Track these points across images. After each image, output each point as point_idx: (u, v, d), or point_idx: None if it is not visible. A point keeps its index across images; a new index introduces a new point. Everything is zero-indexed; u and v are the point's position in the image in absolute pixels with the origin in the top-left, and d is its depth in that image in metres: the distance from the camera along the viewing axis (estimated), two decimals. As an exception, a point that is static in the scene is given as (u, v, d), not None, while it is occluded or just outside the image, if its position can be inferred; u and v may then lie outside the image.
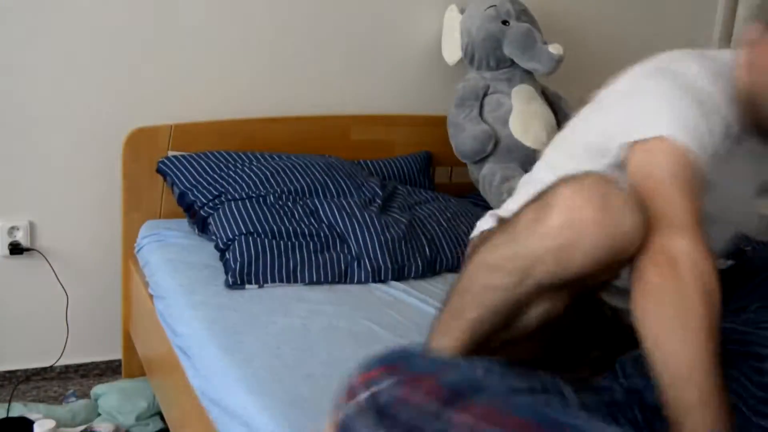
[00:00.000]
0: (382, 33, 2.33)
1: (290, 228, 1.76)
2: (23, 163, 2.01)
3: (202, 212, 1.84)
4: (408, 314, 1.52)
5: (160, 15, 2.06)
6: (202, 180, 1.90)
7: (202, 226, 1.86)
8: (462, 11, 2.30)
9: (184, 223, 1.95)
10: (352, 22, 2.29)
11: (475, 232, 1.30)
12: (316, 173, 1.96)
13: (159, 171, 1.97)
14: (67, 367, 2.17)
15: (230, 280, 1.60)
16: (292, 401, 1.09)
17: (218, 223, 1.76)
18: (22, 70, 1.96)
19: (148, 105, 2.07)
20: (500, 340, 0.96)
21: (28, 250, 2.05)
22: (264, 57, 2.20)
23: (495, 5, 2.21)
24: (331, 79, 2.29)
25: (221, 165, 1.95)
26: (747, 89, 1.05)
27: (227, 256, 1.67)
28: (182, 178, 1.92)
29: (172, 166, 1.95)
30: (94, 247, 2.12)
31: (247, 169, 1.93)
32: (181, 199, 1.90)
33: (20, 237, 2.03)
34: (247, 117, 2.15)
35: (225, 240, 1.71)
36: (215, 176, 1.91)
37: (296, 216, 1.81)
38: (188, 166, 1.94)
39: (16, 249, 2.02)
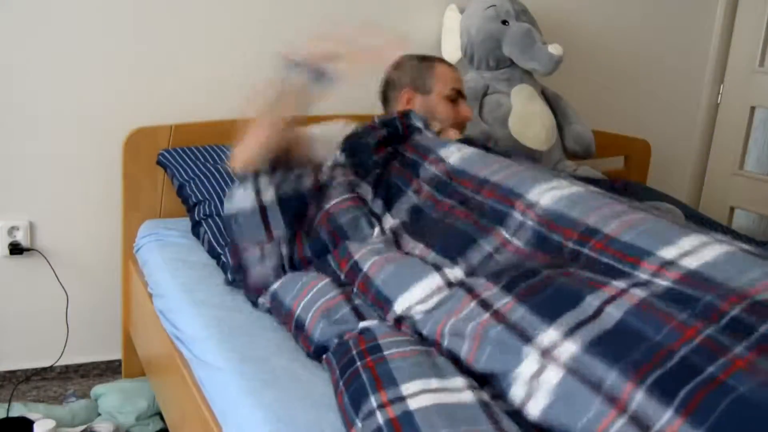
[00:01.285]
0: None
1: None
2: (23, 163, 2.01)
3: (195, 216, 1.85)
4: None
5: (161, 15, 2.06)
6: (199, 173, 1.91)
7: (193, 226, 1.86)
8: (462, 11, 2.30)
9: (183, 222, 1.95)
10: (353, 22, 2.29)
11: None
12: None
13: (159, 163, 1.99)
14: (67, 367, 2.17)
15: (230, 277, 1.56)
16: (289, 401, 1.09)
17: (209, 235, 1.75)
18: (22, 70, 1.96)
19: (148, 105, 2.08)
20: None
21: (28, 250, 2.05)
22: (264, 57, 2.19)
23: (494, 5, 2.21)
24: (330, 79, 2.29)
25: (221, 159, 1.96)
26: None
27: (223, 260, 1.66)
28: (181, 170, 1.93)
29: (171, 159, 1.96)
30: (94, 247, 2.12)
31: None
32: (180, 190, 1.92)
33: (20, 237, 2.04)
34: (246, 117, 2.15)
35: (215, 253, 1.70)
36: (213, 170, 1.92)
37: None
38: (187, 159, 1.95)
39: (16, 249, 2.02)
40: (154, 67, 2.08)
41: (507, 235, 1.27)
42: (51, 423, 1.72)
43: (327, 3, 2.24)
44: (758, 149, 2.93)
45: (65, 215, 2.08)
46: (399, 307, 1.19)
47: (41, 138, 2.01)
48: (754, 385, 0.78)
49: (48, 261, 2.07)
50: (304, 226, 1.47)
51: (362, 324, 1.20)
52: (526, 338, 0.98)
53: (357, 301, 1.26)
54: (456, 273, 1.23)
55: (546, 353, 0.94)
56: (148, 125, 2.03)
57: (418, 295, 1.19)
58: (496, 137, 2.14)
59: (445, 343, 1.08)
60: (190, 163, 1.95)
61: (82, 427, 1.82)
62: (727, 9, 2.85)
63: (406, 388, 0.98)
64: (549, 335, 0.96)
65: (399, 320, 1.19)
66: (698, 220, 2.32)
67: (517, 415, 0.95)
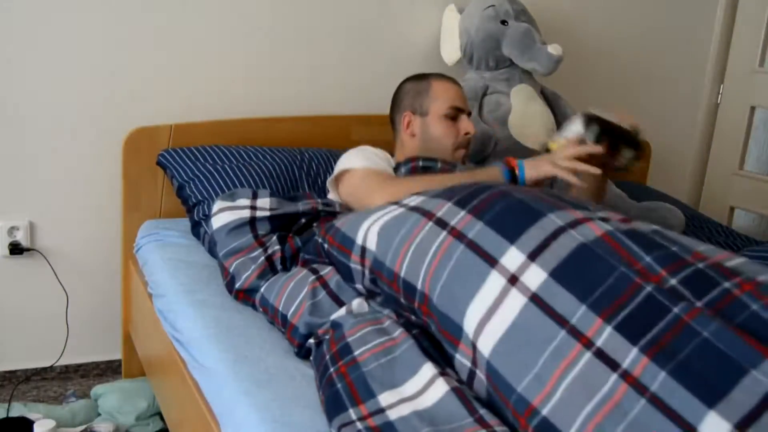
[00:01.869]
0: (382, 33, 2.33)
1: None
2: (23, 163, 2.01)
3: (195, 216, 1.85)
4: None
5: (160, 15, 2.06)
6: (199, 174, 1.91)
7: (193, 226, 1.86)
8: (461, 11, 2.30)
9: (183, 222, 1.95)
10: (352, 22, 2.29)
11: None
12: (319, 167, 1.99)
13: (159, 164, 1.99)
14: (67, 367, 2.17)
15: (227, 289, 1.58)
16: (285, 402, 1.09)
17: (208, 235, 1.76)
18: (22, 71, 1.96)
19: (148, 105, 2.08)
20: None
21: (28, 250, 2.05)
22: (264, 57, 2.20)
23: (494, 5, 2.21)
24: (331, 79, 2.29)
25: (220, 159, 1.96)
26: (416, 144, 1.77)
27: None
28: (180, 171, 1.93)
29: (171, 159, 1.96)
30: (94, 247, 2.12)
31: (243, 167, 1.94)
32: (180, 191, 1.92)
33: (20, 237, 2.04)
34: (246, 117, 2.15)
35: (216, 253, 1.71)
36: (213, 170, 1.92)
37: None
38: (187, 160, 1.95)
39: (16, 249, 2.02)
40: (154, 67, 2.08)
41: None
42: (51, 423, 1.72)
43: (327, 3, 2.24)
44: (758, 149, 2.93)
45: (65, 215, 2.08)
46: (359, 238, 1.25)
47: (41, 138, 2.01)
48: (716, 327, 0.80)
49: (48, 261, 2.07)
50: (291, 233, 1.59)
51: (333, 317, 1.24)
52: (491, 260, 0.98)
53: (332, 285, 1.32)
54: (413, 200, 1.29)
55: (513, 279, 0.94)
56: (148, 125, 2.03)
57: (366, 226, 1.25)
58: (497, 137, 2.14)
59: (403, 272, 1.10)
60: (189, 163, 1.95)
61: (82, 427, 1.82)
62: (727, 9, 2.85)
63: (384, 399, 1.00)
64: (513, 257, 0.96)
65: (362, 255, 1.24)
66: (698, 220, 2.33)
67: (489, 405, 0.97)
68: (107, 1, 2.00)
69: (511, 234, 0.98)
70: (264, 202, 1.63)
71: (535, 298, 0.91)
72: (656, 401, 0.77)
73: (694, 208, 2.82)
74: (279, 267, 1.48)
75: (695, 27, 2.86)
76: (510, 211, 1.03)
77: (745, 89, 2.84)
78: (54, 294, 2.10)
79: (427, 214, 1.13)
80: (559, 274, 0.91)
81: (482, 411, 0.94)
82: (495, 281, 0.95)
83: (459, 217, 1.07)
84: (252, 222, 1.58)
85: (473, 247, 1.01)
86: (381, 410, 0.99)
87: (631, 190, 2.25)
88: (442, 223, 1.09)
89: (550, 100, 2.30)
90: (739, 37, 2.85)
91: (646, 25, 2.75)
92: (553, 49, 2.10)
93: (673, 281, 0.88)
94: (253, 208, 1.61)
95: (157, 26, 2.06)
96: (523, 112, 2.17)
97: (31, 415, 1.81)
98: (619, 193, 2.17)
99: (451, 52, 2.31)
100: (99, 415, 1.93)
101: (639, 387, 0.78)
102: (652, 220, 2.05)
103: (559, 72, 2.15)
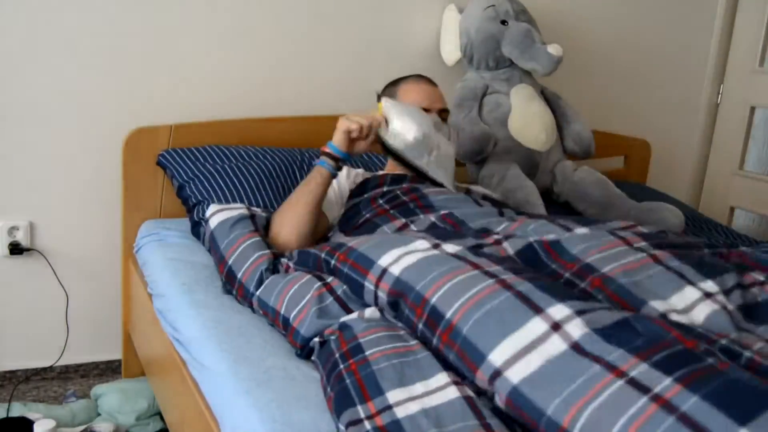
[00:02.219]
0: (382, 33, 2.33)
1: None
2: (23, 163, 2.01)
3: (195, 216, 1.85)
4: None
5: (161, 15, 2.06)
6: (199, 174, 1.91)
7: (193, 226, 1.86)
8: (461, 11, 2.30)
9: (183, 222, 1.95)
10: (352, 22, 2.29)
11: None
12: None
13: (159, 164, 1.99)
14: (67, 367, 2.17)
15: (223, 289, 1.56)
16: (285, 402, 1.09)
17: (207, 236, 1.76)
18: (21, 71, 1.96)
19: (148, 105, 2.08)
20: None
21: (28, 250, 2.05)
22: (264, 57, 2.20)
23: (494, 5, 2.21)
24: (331, 79, 2.30)
25: (220, 159, 1.97)
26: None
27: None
28: (181, 171, 1.93)
29: (171, 160, 1.97)
30: (94, 247, 2.12)
31: (243, 167, 1.94)
32: (180, 191, 1.93)
33: (20, 237, 2.04)
34: (246, 117, 2.15)
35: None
36: (213, 171, 1.92)
37: None
38: (187, 160, 1.96)
39: (16, 249, 2.02)
40: (155, 67, 2.08)
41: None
42: (51, 423, 1.73)
43: (326, 3, 2.24)
44: (758, 149, 2.93)
45: (65, 215, 2.08)
46: (384, 261, 1.23)
47: (41, 138, 2.01)
48: (750, 376, 0.83)
49: (48, 261, 2.07)
50: None
51: (342, 319, 1.22)
52: (536, 309, 0.99)
53: (339, 292, 1.30)
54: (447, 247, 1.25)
55: (556, 326, 0.95)
56: (148, 125, 2.03)
57: (396, 255, 1.23)
58: (496, 138, 2.14)
59: (434, 299, 1.09)
60: (189, 163, 1.95)
61: (82, 427, 1.83)
62: (727, 9, 2.85)
63: (393, 396, 1.00)
64: (560, 309, 0.98)
65: (381, 276, 1.21)
66: (698, 220, 2.33)
67: (499, 410, 0.97)
68: (107, 1, 2.00)
69: (562, 297, 1.01)
70: (257, 209, 1.69)
71: (576, 346, 0.92)
72: (686, 419, 0.78)
73: (694, 208, 2.82)
74: (275, 261, 1.48)
75: (695, 27, 2.87)
76: (563, 286, 1.08)
77: (745, 89, 2.84)
78: (54, 294, 2.10)
79: (474, 265, 1.13)
80: (602, 332, 0.94)
81: (491, 420, 0.95)
82: (536, 324, 0.97)
83: (511, 275, 1.08)
84: (252, 218, 1.62)
85: (521, 296, 1.02)
86: (389, 407, 0.99)
87: (631, 190, 2.25)
88: (491, 275, 1.09)
89: (550, 100, 2.30)
90: (739, 37, 2.86)
91: (646, 25, 2.76)
92: (553, 49, 2.10)
93: (707, 346, 0.92)
94: (248, 209, 1.67)
95: (157, 26, 2.06)
96: (523, 112, 2.16)
97: (31, 415, 1.81)
98: (619, 194, 2.17)
99: (451, 52, 2.31)
100: (99, 415, 1.93)
101: (669, 407, 0.80)
102: (652, 220, 2.05)
103: (559, 72, 2.15)
